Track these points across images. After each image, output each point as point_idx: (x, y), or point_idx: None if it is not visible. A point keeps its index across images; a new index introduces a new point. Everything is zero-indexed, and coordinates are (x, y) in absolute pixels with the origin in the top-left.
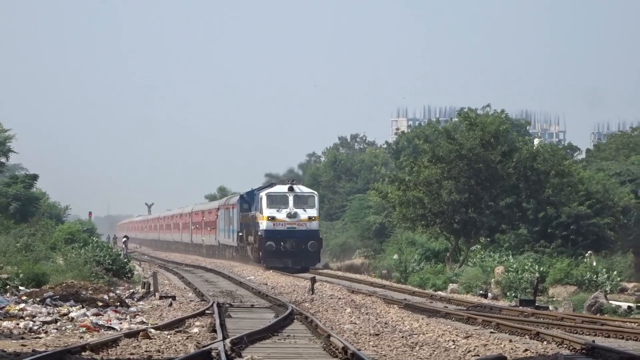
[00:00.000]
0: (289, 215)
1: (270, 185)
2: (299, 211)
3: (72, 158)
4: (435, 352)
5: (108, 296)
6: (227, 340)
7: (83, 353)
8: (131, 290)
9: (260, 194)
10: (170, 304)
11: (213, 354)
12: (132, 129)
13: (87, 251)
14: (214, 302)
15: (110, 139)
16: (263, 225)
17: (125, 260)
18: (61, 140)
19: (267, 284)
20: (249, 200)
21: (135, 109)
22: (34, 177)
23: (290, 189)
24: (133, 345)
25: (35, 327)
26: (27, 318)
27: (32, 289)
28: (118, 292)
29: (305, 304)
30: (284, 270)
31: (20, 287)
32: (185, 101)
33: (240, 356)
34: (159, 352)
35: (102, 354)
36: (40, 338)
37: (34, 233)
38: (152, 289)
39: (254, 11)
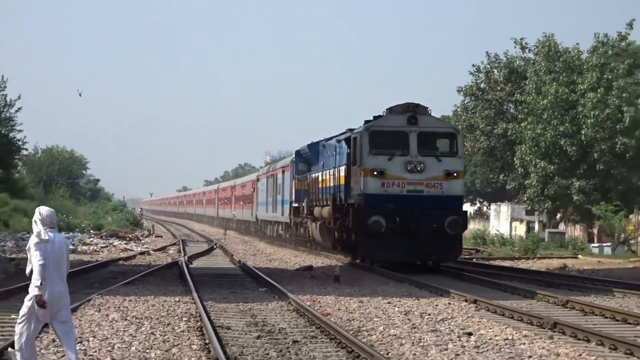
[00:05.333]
0: (412, 167)
1: (371, 119)
2: (429, 161)
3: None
4: (279, 264)
5: (131, 235)
6: (186, 256)
7: (120, 261)
8: (142, 233)
9: (357, 132)
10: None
11: (179, 262)
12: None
13: (122, 214)
14: (180, 238)
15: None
16: (364, 185)
17: (140, 219)
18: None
19: (204, 231)
20: (309, 154)
21: (131, 106)
22: (98, 180)
23: (412, 121)
24: (142, 258)
25: (97, 249)
26: (93, 245)
27: (96, 232)
28: (136, 233)
29: (222, 241)
30: (398, 269)
31: (91, 230)
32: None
33: (192, 263)
34: (155, 261)
35: (128, 262)
36: (99, 254)
37: (97, 205)
38: (152, 232)
39: (211, 10)
